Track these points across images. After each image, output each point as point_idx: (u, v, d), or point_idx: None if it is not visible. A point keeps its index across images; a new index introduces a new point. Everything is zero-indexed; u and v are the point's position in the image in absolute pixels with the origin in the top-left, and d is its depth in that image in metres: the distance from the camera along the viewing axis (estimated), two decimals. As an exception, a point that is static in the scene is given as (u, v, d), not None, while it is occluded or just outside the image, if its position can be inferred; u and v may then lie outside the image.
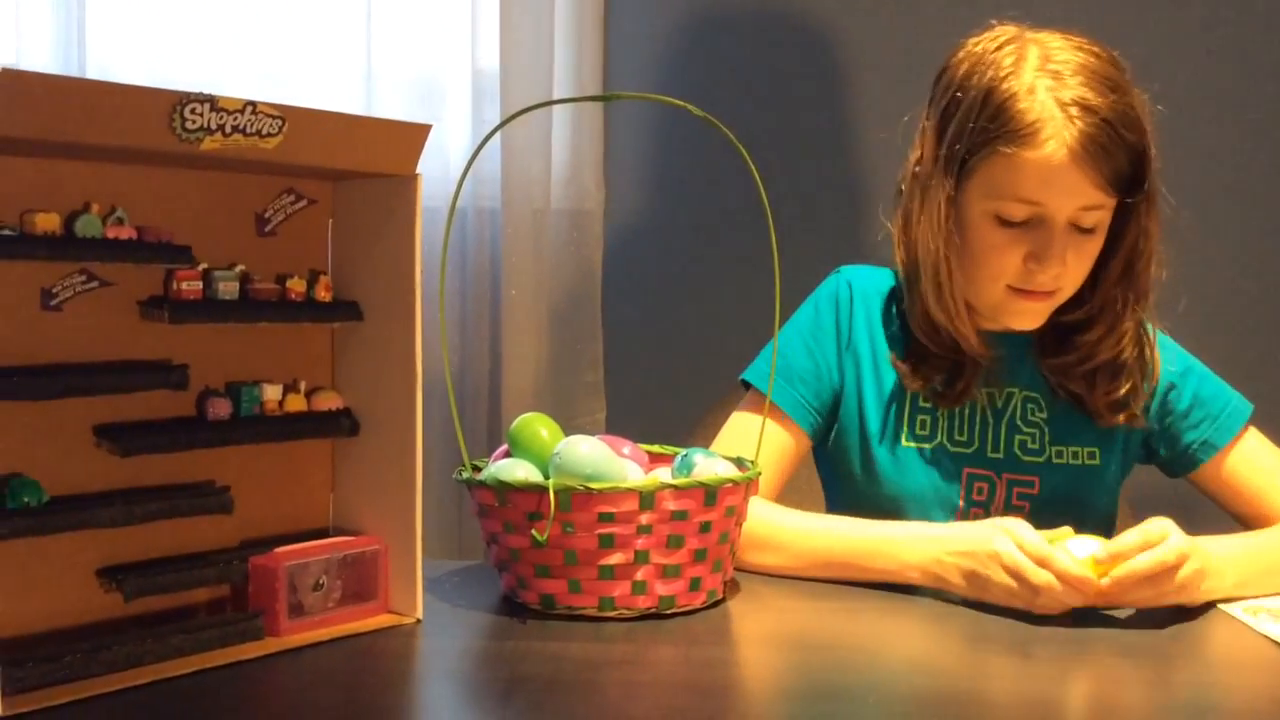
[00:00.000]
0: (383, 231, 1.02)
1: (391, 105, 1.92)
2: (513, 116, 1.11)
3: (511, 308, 1.92)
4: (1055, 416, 1.22)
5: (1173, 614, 1.04)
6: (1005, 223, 1.12)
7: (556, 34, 1.93)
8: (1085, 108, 1.08)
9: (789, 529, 1.17)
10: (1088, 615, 1.03)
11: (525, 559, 1.02)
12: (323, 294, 1.03)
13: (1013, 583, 1.01)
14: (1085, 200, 1.10)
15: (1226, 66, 2.01)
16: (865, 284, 1.27)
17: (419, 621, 1.01)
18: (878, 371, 1.24)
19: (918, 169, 1.19)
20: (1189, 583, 1.02)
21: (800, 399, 1.24)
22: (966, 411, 1.22)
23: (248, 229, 1.02)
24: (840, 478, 1.28)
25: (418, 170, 1.00)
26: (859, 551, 1.12)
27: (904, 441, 1.23)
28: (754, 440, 1.14)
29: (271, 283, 1.00)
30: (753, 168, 1.07)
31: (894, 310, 1.26)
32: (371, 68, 1.93)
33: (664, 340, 2.04)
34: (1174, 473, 1.25)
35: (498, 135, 1.91)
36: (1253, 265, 2.04)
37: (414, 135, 0.99)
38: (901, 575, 1.10)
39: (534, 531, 1.00)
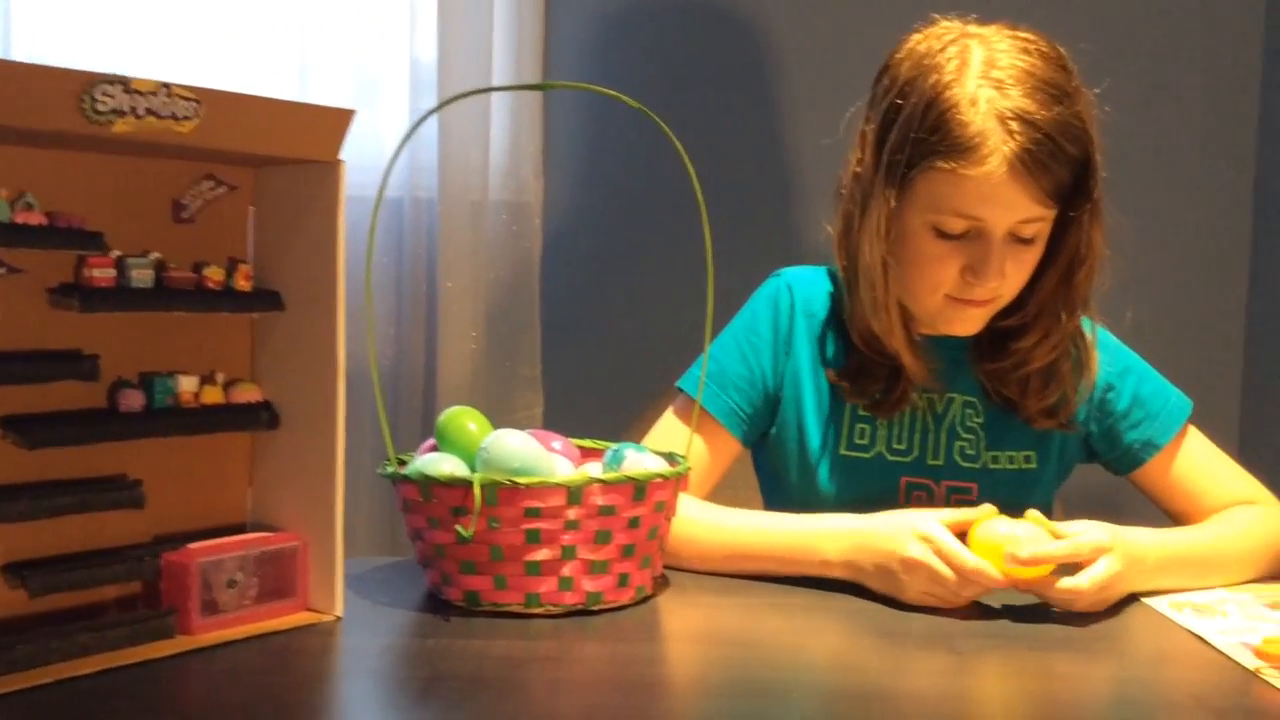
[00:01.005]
0: (305, 219, 1.00)
1: (326, 97, 1.88)
2: (444, 103, 1.09)
3: (448, 300, 1.89)
4: (992, 422, 1.22)
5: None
6: (944, 234, 1.11)
7: (495, 25, 1.90)
8: (1026, 121, 1.05)
9: (713, 524, 1.16)
10: (1012, 610, 1.03)
11: (450, 555, 1.00)
12: (242, 283, 1.00)
13: (926, 586, 1.02)
14: (1024, 214, 1.09)
15: (1177, 61, 2.04)
16: (805, 287, 1.26)
17: (339, 619, 0.98)
18: (817, 378, 1.23)
19: (859, 171, 1.17)
20: (1127, 574, 1.03)
21: (733, 406, 1.23)
22: (906, 419, 1.21)
23: (163, 215, 0.99)
24: (777, 482, 1.28)
25: (341, 156, 0.98)
26: (780, 545, 1.12)
27: (842, 450, 1.22)
28: (683, 443, 1.13)
29: (188, 271, 0.98)
30: (686, 159, 1.06)
31: (834, 315, 1.24)
32: (305, 59, 1.89)
33: (603, 334, 2.03)
34: (1117, 472, 1.25)
35: (434, 125, 1.88)
36: (1196, 260, 2.07)
37: (337, 120, 0.97)
38: (822, 569, 1.09)
39: (459, 527, 0.98)
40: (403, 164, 1.91)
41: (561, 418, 1.97)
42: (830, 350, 1.23)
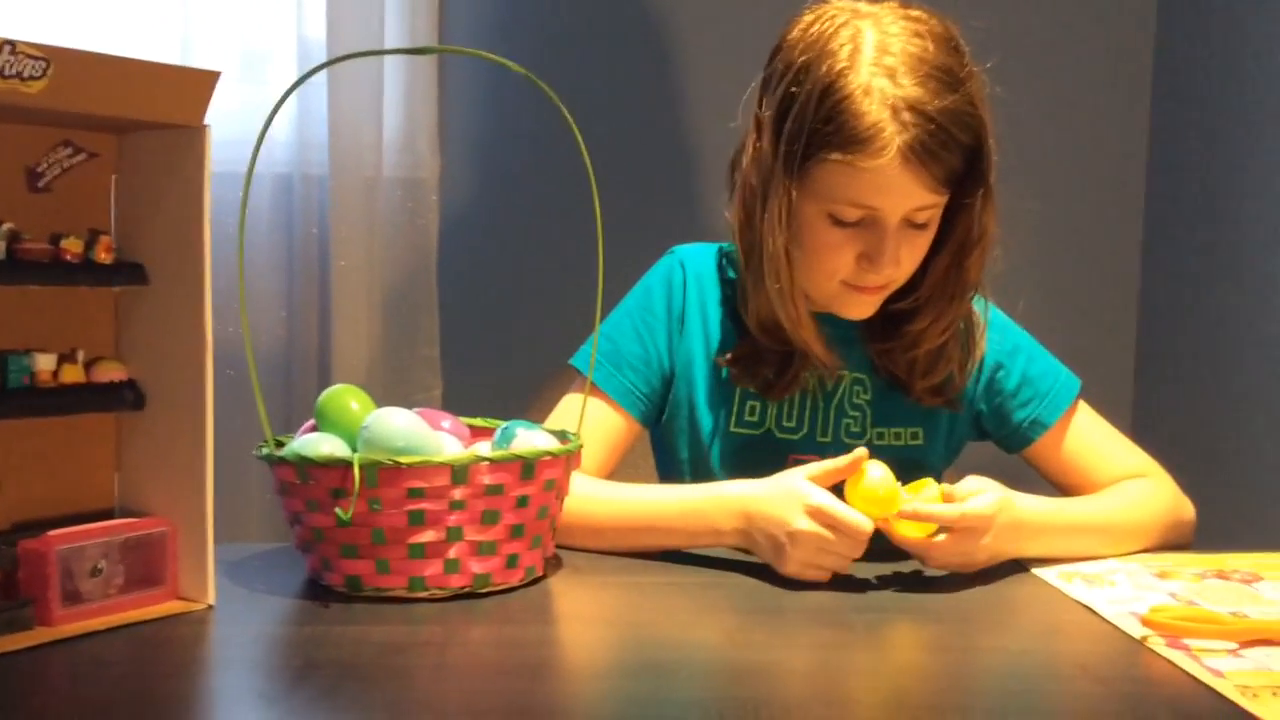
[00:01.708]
0: (170, 188, 0.95)
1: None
2: (316, 69, 1.04)
3: (342, 280, 1.84)
4: (879, 398, 1.21)
5: (988, 580, 1.04)
6: (839, 223, 1.10)
7: (387, 3, 1.84)
8: (919, 111, 1.05)
9: (605, 500, 1.13)
10: (902, 583, 1.03)
11: (330, 539, 0.96)
12: (103, 255, 0.95)
13: (812, 557, 1.01)
14: (918, 202, 1.09)
15: (1071, 40, 2.06)
16: (699, 264, 1.24)
17: (210, 608, 0.94)
18: (709, 355, 1.21)
19: (757, 157, 1.14)
20: (996, 543, 1.03)
21: (629, 385, 1.21)
22: (796, 396, 1.20)
23: (17, 184, 0.93)
24: (670, 461, 1.26)
25: (206, 122, 0.93)
26: (673, 516, 1.10)
27: (732, 428, 1.20)
28: (577, 423, 1.10)
29: (44, 242, 0.92)
30: (574, 127, 1.02)
31: (727, 293, 1.22)
32: (189, 34, 1.82)
33: (504, 313, 1.99)
34: (1008, 450, 1.26)
35: (324, 100, 1.83)
36: (1090, 238, 2.10)
37: (200, 82, 0.91)
38: (715, 539, 1.09)
39: (338, 509, 0.94)
40: (292, 139, 1.85)
41: (462, 400, 1.93)
42: (722, 329, 1.21)
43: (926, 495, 1.04)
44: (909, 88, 1.05)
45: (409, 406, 1.99)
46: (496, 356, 1.98)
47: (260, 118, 1.90)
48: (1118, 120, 2.10)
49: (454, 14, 1.94)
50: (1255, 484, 1.84)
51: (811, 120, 1.07)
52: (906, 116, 1.05)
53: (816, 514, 1.01)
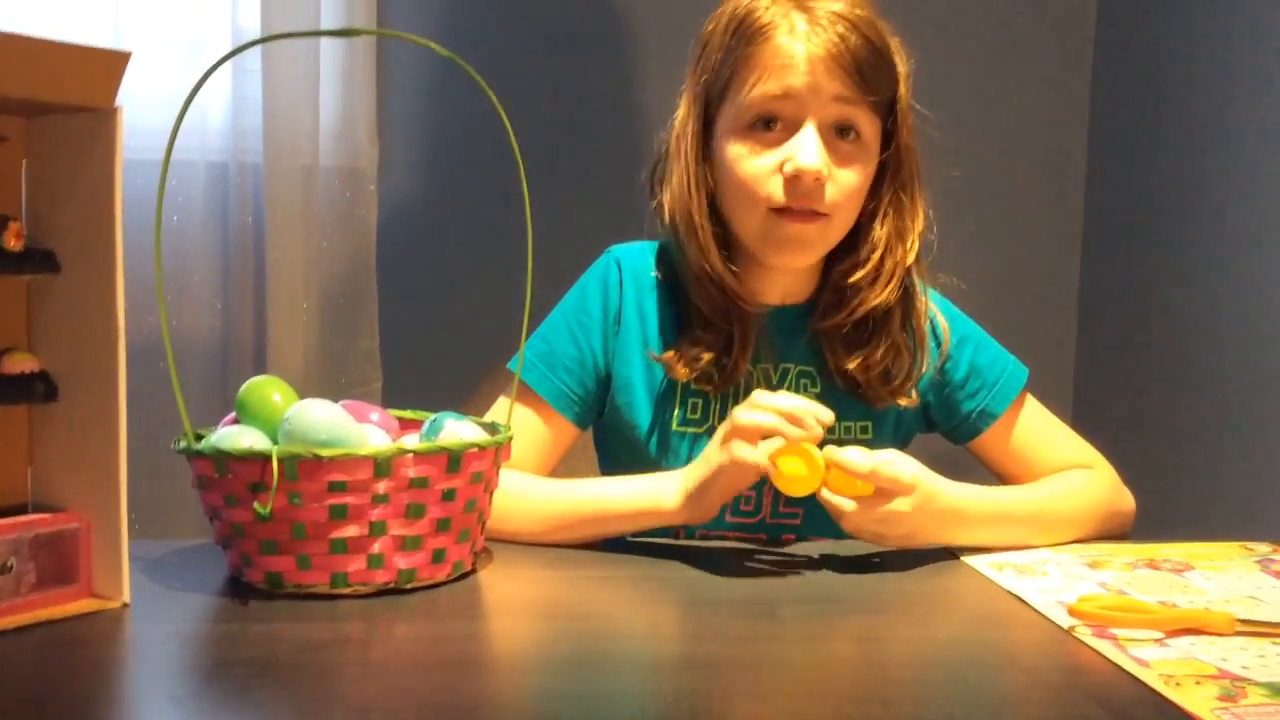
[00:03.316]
0: (81, 173, 0.91)
1: (143, 64, 1.77)
2: (237, 50, 1.01)
3: (278, 271, 1.80)
4: (826, 392, 1.20)
5: (919, 569, 1.04)
6: (758, 131, 1.10)
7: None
8: (830, 12, 1.09)
9: (538, 492, 1.12)
10: (832, 573, 1.02)
11: (249, 534, 0.94)
12: (13, 242, 0.92)
13: (756, 452, 1.01)
14: (834, 89, 1.08)
15: (1012, 31, 2.07)
16: (635, 262, 1.22)
17: (125, 606, 0.91)
18: (647, 354, 1.19)
19: (678, 121, 1.16)
20: (915, 519, 1.03)
21: (563, 388, 1.19)
22: (741, 391, 1.18)
23: (-80, 167, 0.89)
24: (612, 461, 1.24)
25: (118, 103, 0.90)
26: (613, 501, 1.10)
27: (675, 426, 1.19)
28: (514, 424, 1.09)
29: (-51, 229, 0.89)
30: (504, 116, 1.01)
31: (664, 290, 1.21)
32: (119, 22, 1.77)
33: (444, 305, 1.96)
34: (956, 441, 1.25)
35: (259, 86, 1.79)
36: (1031, 226, 2.11)
37: (111, 63, 0.88)
38: (656, 512, 1.08)
39: (256, 504, 0.91)
40: (228, 127, 1.81)
41: (402, 392, 1.91)
42: (660, 328, 1.20)
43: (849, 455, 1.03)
44: (821, 2, 1.10)
45: (348, 398, 1.97)
46: (437, 348, 1.95)
47: (195, 105, 1.86)
48: (1058, 105, 2.11)
49: (391, 6, 1.91)
50: (1194, 471, 1.86)
51: (719, 45, 1.11)
52: (817, 13, 1.09)
53: (747, 407, 1.02)
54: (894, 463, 1.03)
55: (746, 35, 1.10)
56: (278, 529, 0.93)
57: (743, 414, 1.02)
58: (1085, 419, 2.01)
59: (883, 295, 1.15)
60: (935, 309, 1.22)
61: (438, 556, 0.97)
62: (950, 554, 1.08)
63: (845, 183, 1.11)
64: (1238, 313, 1.77)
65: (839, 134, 1.11)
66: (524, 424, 1.17)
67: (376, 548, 0.94)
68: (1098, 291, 2.13)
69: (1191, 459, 1.86)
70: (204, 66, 1.78)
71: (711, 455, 1.05)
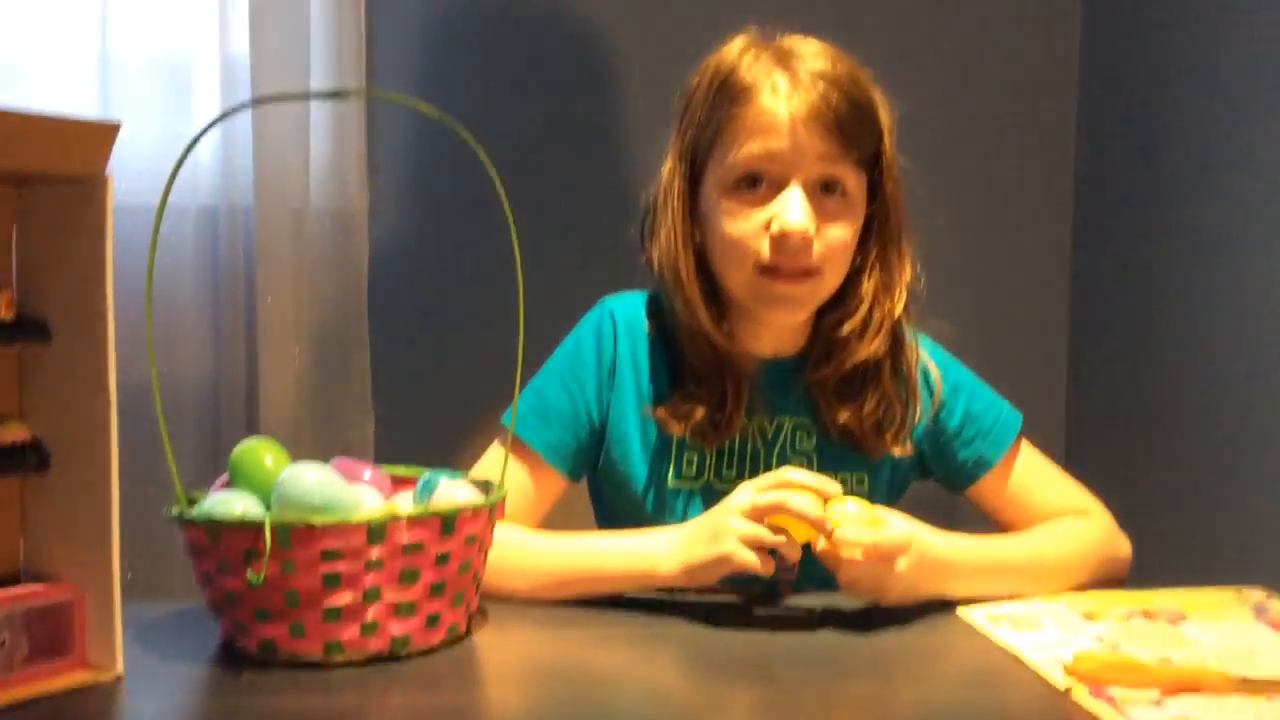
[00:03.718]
0: (71, 241, 0.91)
1: (131, 93, 1.78)
2: (229, 112, 1.01)
3: (269, 315, 1.79)
4: (822, 443, 1.20)
5: (915, 624, 1.04)
6: (744, 191, 1.11)
7: (313, 17, 1.81)
8: (810, 71, 1.09)
9: (533, 549, 1.12)
10: (831, 630, 1.02)
11: (243, 602, 0.93)
12: (3, 311, 0.91)
13: (754, 557, 1.01)
14: (819, 148, 1.09)
15: (995, 72, 2.07)
16: (629, 314, 1.22)
17: (120, 678, 0.90)
18: (642, 407, 1.19)
19: (664, 176, 1.17)
20: (911, 577, 1.03)
21: (555, 442, 1.18)
22: (736, 444, 1.18)
23: (-91, 239, 0.89)
24: (608, 515, 1.24)
25: (108, 172, 0.90)
26: (604, 557, 1.09)
27: (670, 483, 1.18)
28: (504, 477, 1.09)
29: (-61, 300, 0.88)
30: (492, 171, 1.01)
31: (658, 342, 1.20)
32: (108, 50, 1.77)
33: (437, 348, 1.96)
34: (951, 489, 1.25)
35: (248, 128, 1.79)
36: (1019, 266, 2.11)
37: (101, 134, 0.88)
38: (650, 573, 1.07)
39: (249, 572, 0.91)
40: (217, 169, 1.81)
41: (395, 437, 1.90)
42: (655, 380, 1.19)
43: (844, 510, 1.03)
44: (803, 57, 1.11)
45: (341, 444, 1.95)
46: (430, 392, 1.95)
47: (180, 147, 1.86)
48: (1044, 143, 2.12)
49: (382, 34, 1.90)
50: (1186, 514, 1.86)
51: (704, 102, 1.12)
52: (795, 65, 1.10)
53: (742, 509, 1.03)
54: (888, 524, 1.03)
55: (730, 95, 1.11)
56: (271, 597, 0.92)
57: (763, 498, 1.02)
58: (1077, 459, 2.01)
59: (871, 347, 1.15)
60: (926, 356, 1.22)
61: (432, 621, 0.97)
62: (946, 605, 1.08)
63: (832, 239, 1.11)
64: (1233, 349, 1.78)
65: (824, 190, 1.11)
66: (515, 477, 1.16)
67: (370, 615, 0.94)
68: (1087, 332, 2.13)
69: (1182, 497, 1.86)
70: (193, 98, 1.81)
71: (721, 541, 1.02)
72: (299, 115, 1.80)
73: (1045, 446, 1.27)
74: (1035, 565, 1.14)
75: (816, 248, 1.10)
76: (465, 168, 1.91)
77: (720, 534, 1.03)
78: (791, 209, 1.09)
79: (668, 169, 1.17)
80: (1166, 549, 1.74)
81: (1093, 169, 2.13)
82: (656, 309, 1.22)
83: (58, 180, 0.90)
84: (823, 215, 1.10)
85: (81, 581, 0.92)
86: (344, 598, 0.92)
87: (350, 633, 0.93)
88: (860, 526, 1.02)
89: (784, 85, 1.09)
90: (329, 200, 1.86)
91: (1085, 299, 2.15)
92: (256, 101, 1.01)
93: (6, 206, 0.94)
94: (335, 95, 0.94)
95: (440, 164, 1.94)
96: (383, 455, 1.88)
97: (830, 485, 1.03)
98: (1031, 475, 1.23)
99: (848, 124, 1.09)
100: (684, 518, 1.16)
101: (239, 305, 1.81)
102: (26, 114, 0.86)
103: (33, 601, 0.90)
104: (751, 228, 1.10)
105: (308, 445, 1.83)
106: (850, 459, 1.19)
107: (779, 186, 1.10)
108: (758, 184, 1.11)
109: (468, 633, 1.02)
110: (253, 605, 0.93)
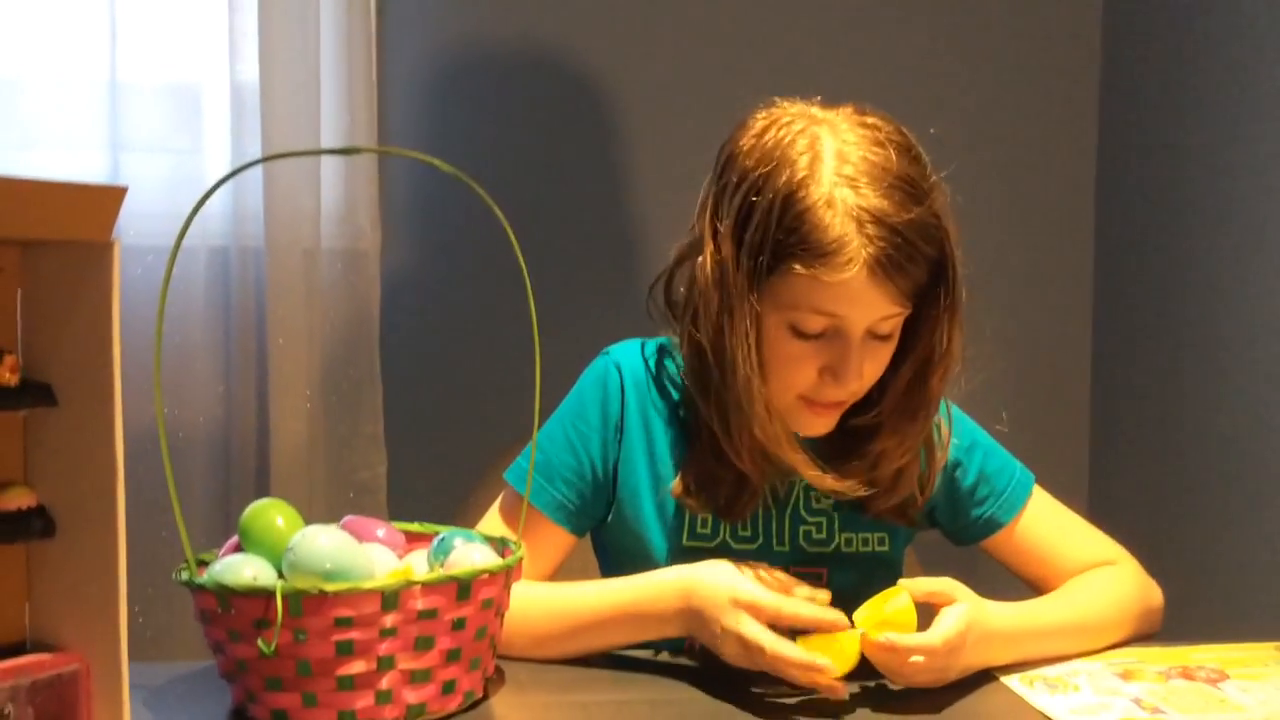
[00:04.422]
0: (77, 304, 0.89)
1: (141, 120, 1.77)
2: (231, 175, 0.99)
3: (280, 356, 1.78)
4: (840, 503, 1.16)
5: (948, 690, 1.00)
6: (800, 334, 1.06)
7: (324, 43, 1.79)
8: (884, 224, 1.01)
9: (542, 600, 1.09)
10: (863, 694, 0.99)
11: (254, 670, 0.91)
12: (8, 376, 0.89)
13: (737, 651, 1.00)
14: (882, 313, 1.05)
15: (1014, 131, 2.06)
16: (635, 366, 1.18)
17: (127, 751, 0.88)
18: (653, 466, 1.15)
19: (716, 264, 1.07)
20: (968, 657, 1.00)
21: (560, 499, 1.15)
22: (748, 514, 1.14)
23: (-88, 302, 0.87)
24: (615, 570, 1.20)
25: (114, 236, 0.88)
26: (613, 608, 1.07)
27: (684, 543, 1.15)
28: (510, 534, 1.06)
29: (-57, 364, 0.86)
30: (508, 228, 0.99)
31: (670, 398, 1.17)
32: (117, 77, 1.76)
33: (450, 388, 1.94)
34: (958, 543, 1.22)
35: (259, 168, 1.77)
36: (1040, 312, 2.10)
37: (107, 199, 0.86)
38: (660, 629, 1.06)
39: (260, 641, 0.88)
40: (227, 211, 1.79)
41: (408, 477, 1.88)
42: (669, 436, 1.16)
43: (897, 604, 0.99)
44: (873, 199, 1.01)
45: (353, 485, 1.92)
46: (443, 431, 1.93)
47: (195, 177, 1.83)
48: (1063, 192, 2.11)
49: (393, 54, 1.89)
50: (1213, 565, 1.83)
51: (775, 231, 1.03)
52: (871, 230, 1.01)
53: (750, 609, 1.00)
54: (949, 616, 0.99)
55: (804, 250, 1.02)
56: (283, 666, 0.90)
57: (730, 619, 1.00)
58: (1101, 511, 1.98)
59: (904, 460, 1.11)
60: (940, 419, 1.16)
61: (448, 688, 0.94)
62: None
63: (873, 368, 1.08)
64: (1256, 388, 1.75)
65: (877, 336, 1.07)
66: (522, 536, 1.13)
67: (385, 683, 0.91)
68: (1111, 380, 2.11)
69: (1210, 548, 1.83)
70: (202, 125, 1.80)
71: (716, 638, 1.01)
72: (310, 157, 1.79)
73: (1066, 490, 1.24)
74: (1081, 626, 1.11)
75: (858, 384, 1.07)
76: (477, 207, 1.90)
77: (720, 640, 1.01)
78: (848, 368, 1.04)
79: (726, 269, 1.06)
80: (1194, 596, 1.71)
81: (1111, 206, 2.10)
82: (662, 360, 1.18)
83: (64, 244, 0.88)
84: (870, 357, 1.07)
85: (88, 650, 0.89)
86: (357, 666, 0.90)
87: (364, 701, 0.91)
88: (903, 624, 0.98)
89: (862, 253, 1.01)
90: (341, 240, 1.84)
91: (1109, 348, 2.12)
92: (269, 159, 0.99)
93: (11, 269, 0.92)
94: (347, 152, 0.92)
95: (452, 203, 1.92)
96: (396, 496, 1.86)
97: (821, 595, 1.02)
98: (1052, 529, 1.19)
99: (913, 276, 1.04)
100: None
101: (250, 346, 1.80)
102: (30, 181, 0.84)
103: (39, 673, 0.87)
104: (802, 361, 1.06)
105: (321, 486, 1.81)
106: (869, 522, 1.16)
107: (836, 334, 1.05)
108: (816, 332, 1.06)
109: (485, 697, 0.99)
110: (264, 674, 0.91)
